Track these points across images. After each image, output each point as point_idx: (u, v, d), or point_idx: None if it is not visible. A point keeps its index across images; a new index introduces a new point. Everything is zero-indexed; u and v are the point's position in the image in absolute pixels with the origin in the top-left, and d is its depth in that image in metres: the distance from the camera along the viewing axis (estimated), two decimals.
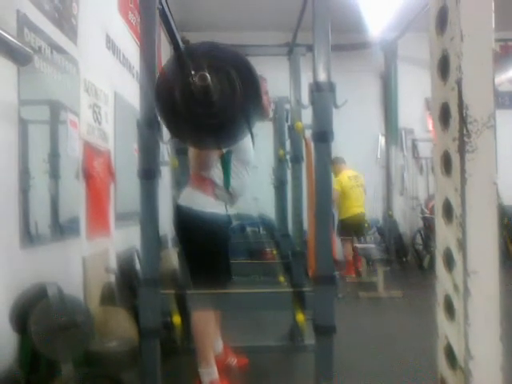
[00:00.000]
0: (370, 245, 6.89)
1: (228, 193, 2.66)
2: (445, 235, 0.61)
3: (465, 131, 0.55)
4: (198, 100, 1.92)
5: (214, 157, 2.59)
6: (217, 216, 2.62)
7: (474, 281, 0.56)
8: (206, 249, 2.54)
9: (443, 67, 0.59)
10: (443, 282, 0.61)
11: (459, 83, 0.55)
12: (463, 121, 0.55)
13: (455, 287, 0.58)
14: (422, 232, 7.47)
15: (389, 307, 5.01)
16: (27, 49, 2.31)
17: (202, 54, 2.04)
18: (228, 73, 1.96)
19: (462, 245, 0.56)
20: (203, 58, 2.01)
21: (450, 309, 0.60)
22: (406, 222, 7.97)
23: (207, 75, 1.86)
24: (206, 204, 2.59)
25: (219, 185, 2.64)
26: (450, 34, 0.56)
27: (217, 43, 2.18)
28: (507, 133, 6.82)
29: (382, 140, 8.14)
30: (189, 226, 2.59)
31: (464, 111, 0.55)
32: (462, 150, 0.55)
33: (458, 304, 0.58)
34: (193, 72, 1.90)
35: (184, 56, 2.06)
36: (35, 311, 2.04)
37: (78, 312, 2.15)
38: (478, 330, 0.56)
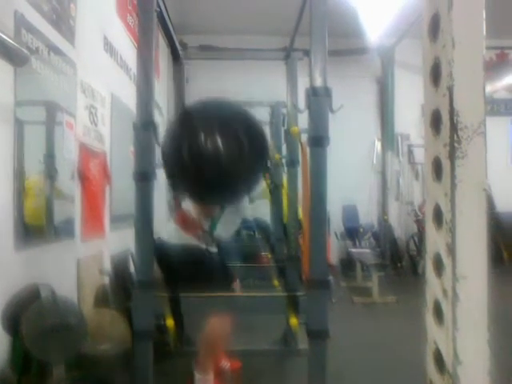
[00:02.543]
0: (365, 249, 6.90)
1: (212, 237, 2.63)
2: (435, 240, 0.61)
3: (455, 137, 0.56)
4: (206, 160, 1.93)
5: (216, 209, 2.58)
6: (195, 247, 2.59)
7: (463, 286, 0.56)
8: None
9: (435, 74, 0.59)
10: (432, 286, 0.62)
11: (450, 90, 0.56)
12: (454, 127, 0.56)
13: (444, 292, 0.59)
14: (416, 237, 7.49)
15: (383, 312, 5.02)
16: (24, 50, 2.31)
17: (210, 114, 2.05)
18: (236, 133, 1.97)
19: (452, 250, 0.57)
20: (211, 117, 2.02)
21: (438, 313, 0.60)
22: (402, 227, 7.99)
23: (218, 140, 1.88)
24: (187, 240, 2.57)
25: (205, 229, 2.60)
26: (442, 42, 0.57)
27: (225, 101, 2.20)
28: (502, 140, 6.88)
29: (378, 145, 8.17)
30: (171, 258, 2.54)
31: (455, 118, 0.56)
32: (452, 156, 0.56)
33: (446, 309, 0.58)
34: (202, 134, 1.91)
35: (192, 116, 2.08)
36: (27, 313, 2.04)
37: (71, 314, 2.15)
38: (466, 335, 0.56)
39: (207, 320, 2.51)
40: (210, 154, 1.92)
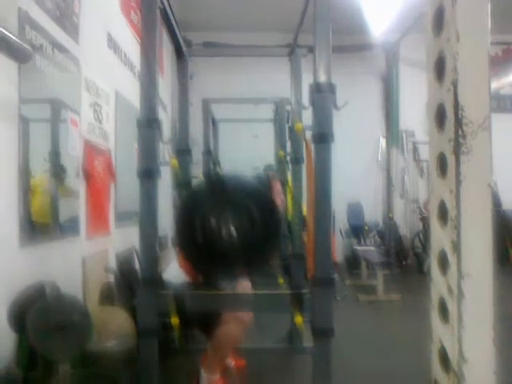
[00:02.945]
0: (370, 247, 6.88)
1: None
2: (440, 237, 0.60)
3: (460, 133, 0.55)
4: (220, 245, 1.94)
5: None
6: None
7: (468, 283, 0.56)
8: None
9: (439, 68, 0.58)
10: (437, 284, 0.61)
11: (455, 84, 0.55)
12: (459, 122, 0.55)
13: (449, 290, 0.58)
14: (421, 235, 7.47)
15: (388, 310, 5.01)
16: (27, 46, 2.31)
17: (224, 190, 2.05)
18: (249, 211, 1.96)
19: (457, 247, 0.56)
20: (225, 194, 2.02)
21: (444, 311, 0.59)
22: (407, 224, 7.97)
23: (230, 223, 1.89)
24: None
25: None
26: (447, 35, 0.56)
27: (239, 177, 2.19)
28: (508, 137, 6.83)
29: (382, 142, 8.14)
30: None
31: (459, 112, 0.55)
32: (457, 152, 0.55)
33: (452, 307, 0.57)
34: (214, 217, 1.92)
35: (202, 197, 2.08)
36: (33, 310, 2.04)
37: (76, 311, 2.15)
38: (471, 333, 0.56)
39: (221, 322, 2.50)
40: (224, 237, 1.93)
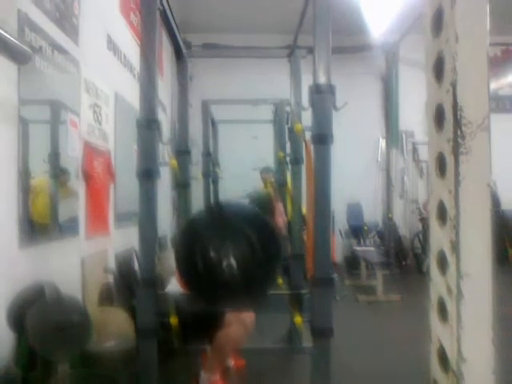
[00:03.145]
0: (370, 248, 6.89)
1: None
2: (439, 237, 0.60)
3: (459, 133, 0.55)
4: (219, 268, 1.93)
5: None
6: None
7: (467, 283, 0.56)
8: None
9: (438, 69, 0.59)
10: (437, 284, 0.61)
11: (454, 85, 0.55)
12: (458, 122, 0.55)
13: (448, 289, 0.58)
14: (421, 236, 7.47)
15: (387, 311, 5.01)
16: (26, 48, 2.31)
17: (224, 218, 2.04)
18: (250, 240, 1.96)
19: (456, 247, 0.56)
20: (225, 222, 2.02)
21: (443, 311, 0.60)
22: (406, 225, 7.97)
23: (231, 252, 1.88)
24: None
25: None
26: (446, 36, 0.56)
27: (239, 205, 2.19)
28: (507, 137, 6.83)
29: (382, 143, 8.15)
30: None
31: (458, 113, 0.55)
32: (456, 152, 0.55)
33: (451, 306, 0.58)
34: (214, 248, 1.92)
35: (202, 227, 2.07)
36: (32, 310, 2.04)
37: (75, 312, 2.15)
38: (470, 333, 0.56)
39: (225, 321, 2.50)
40: (225, 269, 1.93)
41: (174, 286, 2.56)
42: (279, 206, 2.86)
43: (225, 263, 1.90)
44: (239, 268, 1.92)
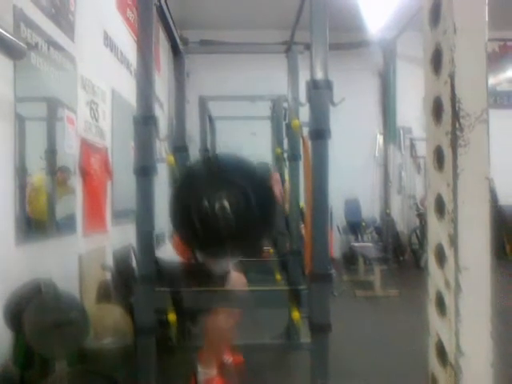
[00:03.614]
0: (368, 243, 6.90)
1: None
2: (437, 231, 0.60)
3: (457, 125, 0.55)
4: (215, 223, 1.96)
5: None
6: None
7: (466, 277, 0.55)
8: None
9: (436, 61, 0.58)
10: (435, 278, 0.61)
11: (452, 77, 0.55)
12: (456, 115, 0.55)
13: (446, 283, 0.58)
14: (418, 231, 7.49)
15: (385, 306, 5.02)
16: (20, 42, 2.30)
17: (221, 169, 2.06)
18: (245, 190, 1.98)
19: (454, 241, 0.56)
20: (221, 173, 2.04)
21: (441, 305, 0.59)
22: (404, 220, 7.98)
23: (225, 201, 1.90)
24: None
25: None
26: (443, 27, 0.56)
27: (236, 158, 2.18)
28: (505, 133, 6.83)
29: (379, 139, 8.15)
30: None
31: (457, 105, 0.55)
32: (454, 145, 0.55)
33: (449, 300, 0.57)
34: (209, 197, 1.94)
35: (197, 177, 2.09)
36: (29, 308, 2.03)
37: (73, 309, 2.14)
38: (468, 327, 0.56)
39: (210, 314, 2.51)
40: (219, 219, 1.95)
41: (167, 253, 2.58)
42: (276, 176, 2.88)
43: (218, 211, 1.92)
44: (233, 213, 1.94)
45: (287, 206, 3.72)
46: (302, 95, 2.19)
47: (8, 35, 2.15)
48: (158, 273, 2.18)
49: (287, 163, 3.69)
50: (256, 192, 1.99)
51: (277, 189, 2.76)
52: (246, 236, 2.06)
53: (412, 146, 8.10)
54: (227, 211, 1.93)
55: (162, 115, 6.03)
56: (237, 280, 2.66)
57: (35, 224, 2.73)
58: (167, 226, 2.70)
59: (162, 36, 4.92)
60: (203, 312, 2.51)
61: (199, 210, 1.96)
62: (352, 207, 7.75)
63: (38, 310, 2.05)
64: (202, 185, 2.03)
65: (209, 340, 2.59)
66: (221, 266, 2.59)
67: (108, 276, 3.30)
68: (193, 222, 1.97)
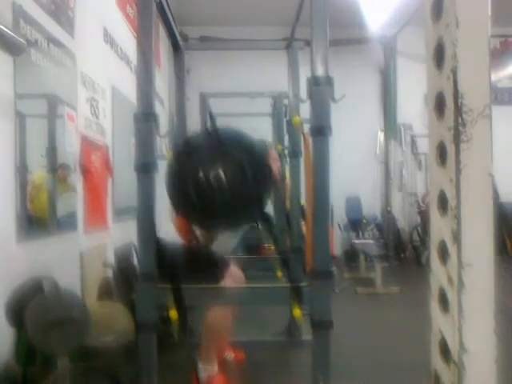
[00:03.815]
0: (369, 240, 6.89)
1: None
2: (439, 227, 0.60)
3: (460, 121, 0.54)
4: (211, 195, 1.97)
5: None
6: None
7: (469, 273, 0.55)
8: None
9: (438, 56, 0.58)
10: (437, 274, 0.60)
11: (454, 72, 0.54)
12: (458, 110, 0.54)
13: (449, 280, 0.57)
14: (419, 228, 7.48)
15: (386, 303, 5.02)
16: (20, 38, 2.29)
17: (212, 145, 2.06)
18: (238, 163, 2.00)
19: (457, 237, 0.55)
20: (213, 149, 2.04)
21: (444, 302, 0.59)
22: (405, 217, 7.96)
23: (221, 173, 1.90)
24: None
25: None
26: (446, 21, 0.55)
27: (224, 130, 2.19)
28: (506, 130, 6.81)
29: (380, 135, 8.13)
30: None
31: (459, 100, 0.54)
32: (457, 140, 0.54)
33: (452, 297, 0.57)
34: (204, 168, 1.95)
35: (193, 149, 2.10)
36: (31, 305, 2.04)
37: (74, 306, 2.15)
38: (472, 323, 0.55)
39: (208, 311, 2.52)
40: (214, 189, 1.96)
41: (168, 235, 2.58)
42: (274, 153, 2.89)
43: (213, 178, 1.93)
44: (228, 184, 1.95)
45: (288, 203, 3.72)
46: (303, 92, 2.18)
47: (7, 31, 2.14)
48: (159, 253, 2.18)
49: (288, 160, 3.69)
50: (252, 166, 2.00)
51: (275, 166, 2.77)
52: (241, 208, 2.06)
53: (413, 143, 8.08)
54: (222, 181, 1.93)
55: (163, 112, 6.02)
56: (235, 275, 2.66)
57: (36, 221, 2.73)
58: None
59: (162, 32, 4.90)
60: (202, 309, 2.51)
61: (195, 180, 1.96)
62: (353, 204, 7.74)
63: (40, 307, 2.05)
64: (199, 156, 2.04)
65: (207, 336, 2.60)
66: (220, 246, 2.60)
67: (109, 273, 3.31)
68: (188, 191, 1.98)
